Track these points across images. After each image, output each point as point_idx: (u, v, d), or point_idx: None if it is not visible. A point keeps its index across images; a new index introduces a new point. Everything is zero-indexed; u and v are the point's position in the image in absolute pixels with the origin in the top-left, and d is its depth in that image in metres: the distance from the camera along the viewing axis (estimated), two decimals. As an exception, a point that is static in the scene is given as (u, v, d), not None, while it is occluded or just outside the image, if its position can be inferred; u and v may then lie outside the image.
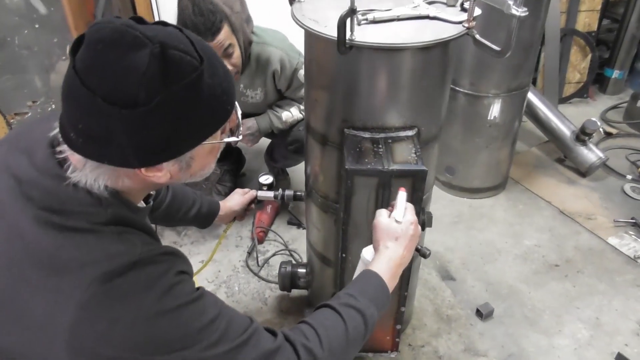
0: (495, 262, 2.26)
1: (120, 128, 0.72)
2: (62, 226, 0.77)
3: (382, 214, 1.16)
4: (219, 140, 0.87)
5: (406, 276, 1.39)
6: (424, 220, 1.38)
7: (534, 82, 3.44)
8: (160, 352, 0.79)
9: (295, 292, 2.02)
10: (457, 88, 2.36)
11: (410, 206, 1.18)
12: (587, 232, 2.42)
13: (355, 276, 1.14)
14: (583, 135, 2.69)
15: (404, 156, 1.28)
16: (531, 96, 2.84)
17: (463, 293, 2.10)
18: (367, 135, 1.32)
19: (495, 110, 2.35)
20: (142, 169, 0.79)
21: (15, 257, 0.78)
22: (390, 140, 1.32)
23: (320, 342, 0.94)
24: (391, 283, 1.09)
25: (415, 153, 1.28)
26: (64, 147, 0.79)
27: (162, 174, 0.82)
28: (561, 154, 2.91)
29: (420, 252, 1.30)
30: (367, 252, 1.17)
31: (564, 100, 3.52)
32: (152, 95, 0.71)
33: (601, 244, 2.35)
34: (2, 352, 0.81)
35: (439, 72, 1.30)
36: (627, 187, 2.68)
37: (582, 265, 2.24)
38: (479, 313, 1.99)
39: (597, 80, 3.68)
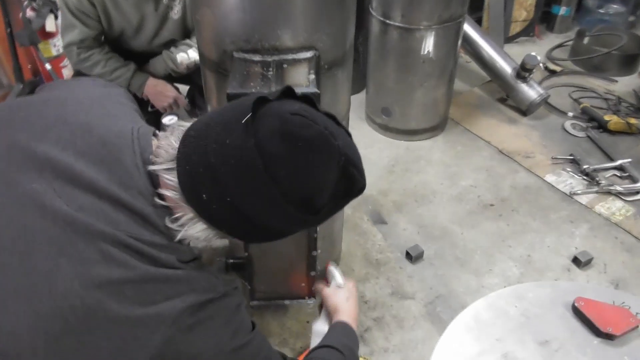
0: (430, 204, 2.17)
1: (275, 221, 0.72)
2: (152, 258, 0.72)
3: (323, 289, 1.26)
4: None
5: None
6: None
7: (480, 22, 3.30)
8: None
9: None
10: (388, 21, 2.21)
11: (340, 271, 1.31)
12: (524, 170, 2.35)
13: (312, 346, 1.17)
14: (523, 71, 2.59)
15: (297, 79, 1.14)
16: (475, 35, 2.71)
17: (394, 237, 2.02)
18: (257, 58, 1.17)
19: (428, 44, 2.21)
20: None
21: (95, 280, 0.68)
22: (285, 65, 1.17)
23: None
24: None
25: (310, 76, 1.14)
26: (169, 192, 0.73)
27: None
28: (503, 94, 2.82)
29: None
30: (318, 325, 1.24)
31: (509, 39, 3.41)
32: (323, 205, 0.73)
33: (538, 182, 2.29)
34: None
35: (335, -18, 1.14)
36: (568, 124, 2.61)
37: (517, 204, 2.18)
38: (408, 256, 1.91)
39: (544, 19, 3.58)
